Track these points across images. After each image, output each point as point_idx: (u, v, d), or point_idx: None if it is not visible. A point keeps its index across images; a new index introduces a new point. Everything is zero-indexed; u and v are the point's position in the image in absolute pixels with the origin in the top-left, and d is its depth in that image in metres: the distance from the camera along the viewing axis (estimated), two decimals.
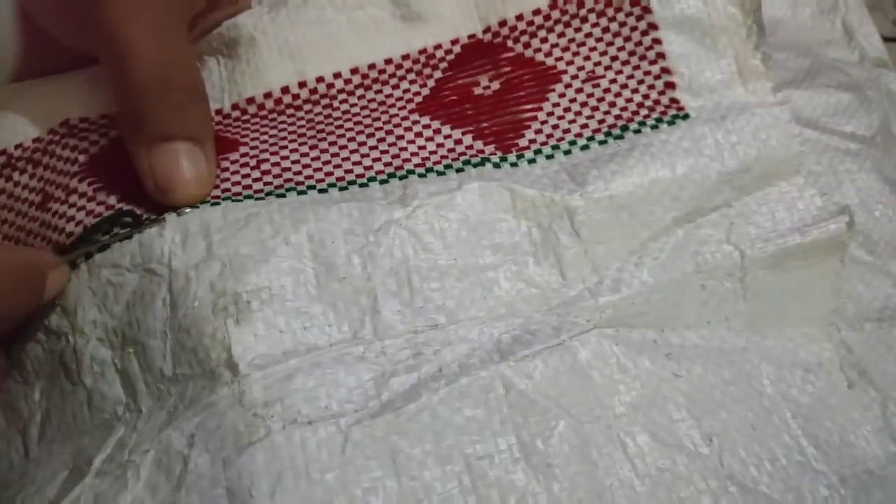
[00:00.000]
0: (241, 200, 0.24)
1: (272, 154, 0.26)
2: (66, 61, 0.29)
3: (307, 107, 0.28)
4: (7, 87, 0.29)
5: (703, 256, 0.26)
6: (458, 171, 0.26)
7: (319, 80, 0.28)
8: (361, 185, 0.25)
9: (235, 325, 0.21)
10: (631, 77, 0.28)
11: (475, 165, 0.26)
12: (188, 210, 0.24)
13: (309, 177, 0.26)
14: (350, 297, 0.23)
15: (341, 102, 0.28)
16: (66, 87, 0.28)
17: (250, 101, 0.28)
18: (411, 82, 0.29)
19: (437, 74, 0.29)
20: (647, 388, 0.23)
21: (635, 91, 0.28)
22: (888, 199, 0.30)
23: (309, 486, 0.20)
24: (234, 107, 0.28)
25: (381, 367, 0.22)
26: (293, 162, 0.26)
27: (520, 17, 0.29)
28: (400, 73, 0.29)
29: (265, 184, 0.25)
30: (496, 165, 0.26)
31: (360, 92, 0.28)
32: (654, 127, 0.27)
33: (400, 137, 0.27)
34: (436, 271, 0.24)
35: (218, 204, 0.24)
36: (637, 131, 0.27)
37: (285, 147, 0.27)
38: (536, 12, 0.29)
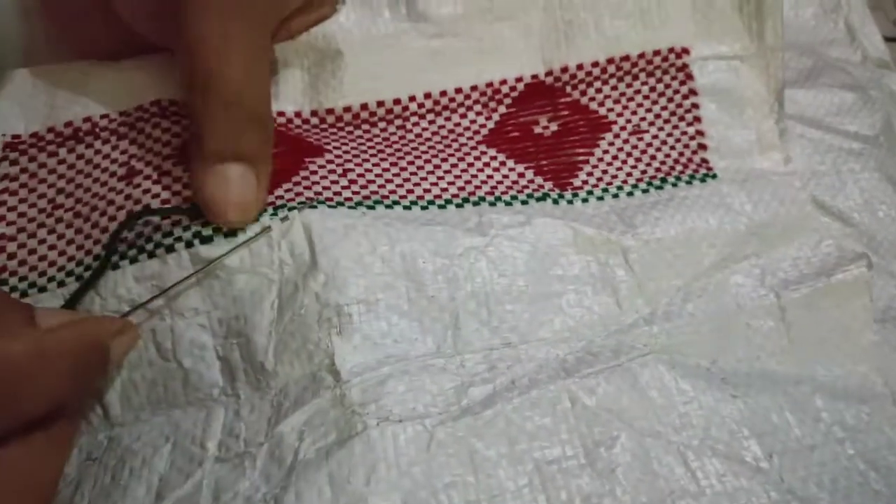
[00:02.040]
0: (336, 207, 0.27)
1: (357, 165, 0.29)
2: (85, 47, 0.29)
3: (381, 125, 0.31)
4: (89, 63, 0.30)
5: (742, 299, 0.28)
6: (524, 202, 0.29)
7: (396, 101, 0.31)
8: (440, 207, 0.28)
9: (338, 335, 0.24)
10: (670, 135, 0.32)
11: (538, 199, 0.29)
12: (289, 214, 0.26)
13: (392, 191, 0.28)
14: (436, 314, 0.25)
15: (413, 125, 0.31)
16: (157, 69, 0.29)
17: (330, 111, 0.31)
18: (478, 114, 0.32)
19: (502, 109, 0.32)
20: (706, 408, 0.25)
21: (673, 148, 0.32)
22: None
23: (398, 477, 0.22)
24: (314, 113, 0.31)
25: (460, 377, 0.25)
26: (377, 175, 0.29)
27: (580, 67, 0.32)
28: (468, 102, 0.32)
29: (353, 192, 0.28)
30: (555, 202, 0.30)
31: (430, 117, 0.31)
32: (688, 182, 0.31)
33: (470, 165, 0.30)
34: (509, 295, 0.26)
35: (315, 207, 0.26)
36: (674, 184, 0.31)
37: (367, 160, 0.29)
38: (594, 64, 0.32)
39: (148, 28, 0.28)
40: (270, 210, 0.26)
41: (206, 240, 0.26)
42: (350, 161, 0.29)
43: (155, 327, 0.25)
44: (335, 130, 0.31)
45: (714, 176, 0.31)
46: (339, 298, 0.24)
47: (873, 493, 0.25)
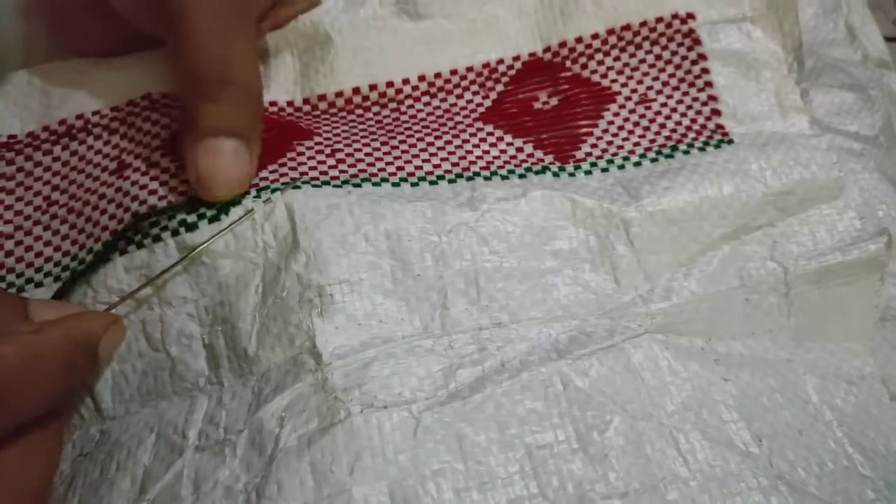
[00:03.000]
0: (320, 186, 0.26)
1: (346, 145, 0.28)
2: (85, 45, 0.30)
3: (375, 108, 0.30)
4: (85, 61, 0.30)
5: (747, 272, 0.27)
6: (521, 176, 0.28)
7: (389, 84, 0.31)
8: (431, 183, 0.27)
9: (319, 316, 0.24)
10: (680, 102, 0.31)
11: (536, 173, 0.28)
12: (272, 196, 0.26)
13: (382, 169, 0.28)
14: (422, 293, 0.25)
15: (408, 108, 0.30)
16: (149, 64, 0.30)
17: (321, 97, 0.30)
18: (474, 93, 0.31)
19: (499, 87, 0.31)
20: (698, 391, 0.25)
21: (684, 115, 0.30)
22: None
23: (384, 465, 0.22)
24: (306, 101, 0.30)
25: (448, 359, 0.24)
26: (366, 154, 0.28)
27: (579, 40, 0.31)
28: (464, 83, 0.31)
29: (340, 171, 0.27)
30: (555, 174, 0.28)
31: (426, 99, 0.31)
32: (701, 149, 0.29)
33: (465, 142, 0.29)
34: (500, 273, 0.25)
35: (298, 188, 0.26)
36: (686, 152, 0.29)
37: (357, 140, 0.29)
38: (594, 36, 0.31)
39: (142, 19, 0.28)
40: (254, 192, 0.26)
41: (191, 227, 0.26)
42: (340, 142, 0.29)
43: (145, 318, 0.25)
44: (327, 116, 0.30)
45: (730, 141, 0.30)
46: (321, 279, 0.24)
47: (861, 479, 0.24)
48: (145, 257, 0.26)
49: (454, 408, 0.23)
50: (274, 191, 0.26)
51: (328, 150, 0.28)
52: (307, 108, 0.31)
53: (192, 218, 0.26)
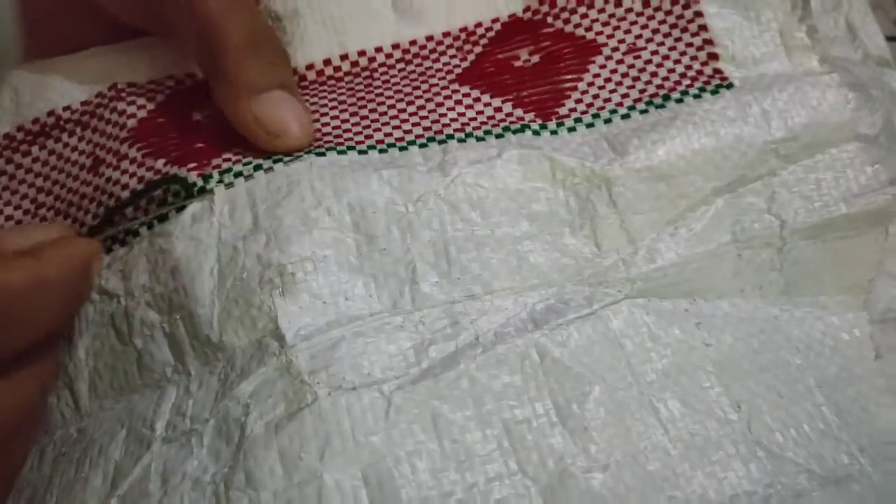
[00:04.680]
0: (284, 163, 0.25)
1: (314, 120, 0.27)
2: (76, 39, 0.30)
3: (348, 79, 0.29)
4: (55, 59, 0.30)
5: (741, 226, 0.26)
6: (498, 136, 0.27)
7: (361, 53, 0.29)
8: (401, 149, 0.26)
9: (281, 296, 0.22)
10: (673, 49, 0.29)
11: (514, 132, 0.27)
12: (235, 180, 0.25)
13: (349, 139, 0.27)
14: (390, 268, 0.24)
15: (381, 75, 0.29)
16: (114, 54, 0.30)
17: (293, 72, 0.29)
18: (451, 57, 0.29)
19: (478, 49, 0.30)
20: (678, 356, 0.24)
21: (677, 62, 0.28)
22: None
23: (356, 449, 0.21)
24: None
25: (420, 335, 0.23)
26: (334, 127, 0.27)
27: None
28: (440, 48, 0.30)
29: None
30: (536, 133, 0.27)
31: (400, 66, 0.29)
32: (696, 96, 0.27)
33: (440, 105, 0.28)
34: (473, 242, 0.24)
35: (259, 168, 0.25)
36: (679, 100, 0.27)
37: (326, 114, 0.28)
38: None
39: (131, 13, 0.28)
40: (216, 175, 0.25)
41: (162, 218, 0.25)
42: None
43: (113, 311, 0.25)
44: (299, 90, 0.29)
45: (730, 85, 0.28)
46: (281, 258, 0.23)
47: (836, 442, 0.23)
48: (122, 253, 0.26)
49: (427, 386, 0.22)
50: (237, 175, 0.25)
51: None
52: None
53: (163, 209, 0.25)
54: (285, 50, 0.28)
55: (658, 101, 0.27)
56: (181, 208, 0.25)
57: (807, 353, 0.25)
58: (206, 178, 0.25)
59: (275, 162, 0.25)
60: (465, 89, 0.28)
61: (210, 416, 0.22)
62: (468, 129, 0.27)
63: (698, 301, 0.25)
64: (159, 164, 0.26)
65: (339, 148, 0.26)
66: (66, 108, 0.29)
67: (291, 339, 0.22)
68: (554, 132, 0.27)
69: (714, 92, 0.27)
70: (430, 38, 0.30)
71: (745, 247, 0.26)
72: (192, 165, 0.26)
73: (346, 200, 0.24)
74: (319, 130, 0.27)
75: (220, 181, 0.25)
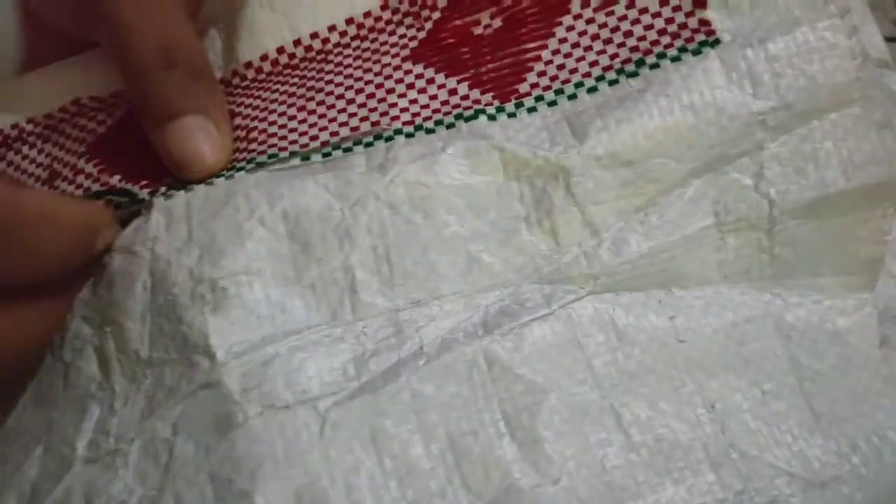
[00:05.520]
0: (226, 176, 0.25)
1: (260, 121, 0.26)
2: (68, 52, 0.30)
3: (304, 65, 0.28)
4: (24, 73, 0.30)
5: (724, 206, 0.24)
6: (449, 126, 0.25)
7: (314, 35, 0.28)
8: (345, 150, 0.25)
9: (212, 312, 0.22)
10: None
11: (467, 119, 0.25)
12: (176, 193, 0.25)
13: (293, 141, 0.25)
14: (328, 277, 0.23)
15: (335, 56, 0.28)
16: (78, 67, 0.30)
17: (248, 65, 0.28)
18: (408, 27, 0.27)
19: (436, 15, 0.27)
20: (647, 355, 0.22)
21: (657, 15, 0.25)
22: None
23: (289, 470, 0.20)
24: (234, 73, 0.28)
25: (361, 347, 0.22)
26: (280, 127, 0.26)
27: None
28: (397, 17, 0.28)
29: (249, 151, 0.26)
30: (491, 117, 0.25)
31: (356, 43, 0.28)
32: (675, 59, 0.24)
33: (390, 91, 0.26)
34: (417, 244, 0.23)
35: (210, 184, 0.25)
36: (655, 66, 0.24)
37: (274, 111, 0.27)
38: None
39: (66, 23, 0.28)
40: (163, 190, 0.25)
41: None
42: (256, 119, 0.27)
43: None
44: (256, 85, 0.28)
45: (716, 42, 0.24)
46: (213, 272, 0.22)
47: (824, 440, 0.21)
48: None
49: (365, 400, 0.21)
50: (180, 188, 0.25)
51: (243, 133, 0.26)
52: (237, 80, 0.28)
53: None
54: (204, 62, 0.27)
55: (630, 67, 0.24)
56: (125, 223, 0.25)
57: (800, 340, 0.23)
58: (153, 194, 0.25)
59: (217, 176, 0.25)
60: (419, 69, 0.26)
61: (136, 436, 0.21)
62: (418, 121, 0.25)
63: (675, 291, 0.23)
64: (114, 179, 0.26)
65: (281, 154, 0.25)
66: (30, 121, 0.29)
67: (223, 356, 0.21)
68: (512, 115, 0.25)
69: (696, 52, 0.24)
70: (384, 7, 0.28)
71: (729, 230, 0.24)
72: (144, 182, 0.26)
73: (281, 208, 0.23)
74: (265, 131, 0.26)
75: (163, 194, 0.25)
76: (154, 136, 0.25)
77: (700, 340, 0.23)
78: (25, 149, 0.29)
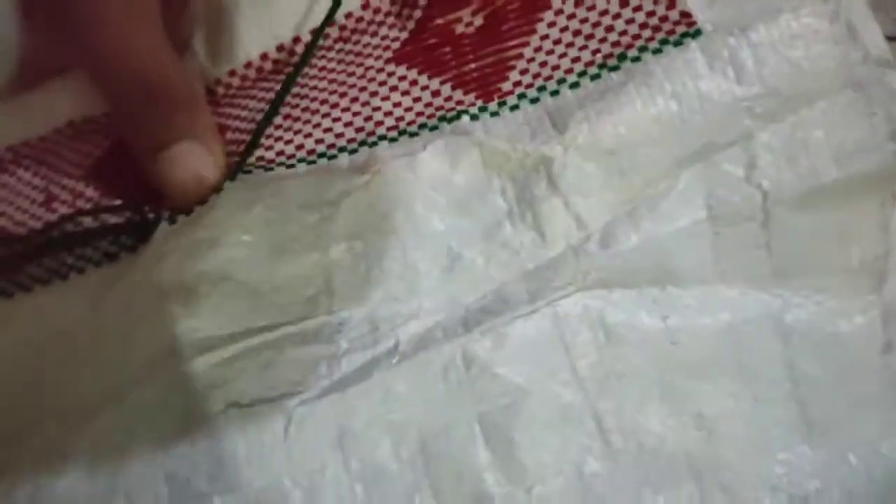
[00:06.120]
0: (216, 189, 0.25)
1: (248, 133, 0.26)
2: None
3: (287, 69, 0.27)
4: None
5: (717, 199, 0.23)
6: (433, 129, 0.24)
7: (296, 40, 0.27)
8: (330, 157, 0.25)
9: (182, 309, 0.21)
10: None
11: (450, 120, 0.24)
12: (179, 217, 0.24)
13: (280, 153, 0.25)
14: (304, 274, 0.22)
15: (319, 59, 0.27)
16: (68, 86, 0.29)
17: (232, 73, 0.28)
18: (390, 26, 0.27)
19: (417, 14, 0.27)
20: (636, 356, 0.21)
21: (638, 8, 0.24)
22: None
23: (249, 472, 0.19)
24: (218, 82, 0.28)
25: (335, 345, 0.21)
26: (266, 137, 0.26)
27: None
28: (378, 17, 0.27)
29: (237, 164, 0.25)
30: (473, 117, 0.24)
31: (338, 46, 0.27)
32: (656, 51, 0.24)
33: (374, 94, 0.26)
34: (396, 241, 0.22)
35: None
36: (636, 59, 0.24)
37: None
38: None
39: (43, 45, 0.27)
40: (166, 215, 0.25)
41: (112, 257, 0.25)
42: (243, 131, 0.27)
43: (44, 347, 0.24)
44: (243, 93, 0.28)
45: (697, 33, 0.23)
46: (187, 272, 0.22)
47: (815, 450, 0.19)
48: (64, 289, 0.25)
49: (332, 400, 0.20)
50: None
51: (233, 146, 0.26)
52: (221, 90, 0.28)
53: (113, 248, 0.25)
54: (184, 90, 0.26)
55: (612, 62, 0.24)
56: (131, 249, 0.25)
57: (799, 344, 0.21)
58: (158, 220, 0.25)
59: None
60: (402, 70, 0.26)
61: (89, 431, 0.21)
62: (402, 125, 0.25)
63: (669, 289, 0.22)
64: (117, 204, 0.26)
65: (266, 166, 0.25)
66: (24, 144, 0.29)
67: (189, 352, 0.21)
68: (495, 114, 0.24)
69: (678, 43, 0.23)
70: (365, 6, 0.27)
71: (724, 223, 0.22)
72: (147, 210, 0.26)
73: (258, 208, 0.23)
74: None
75: (167, 220, 0.24)
76: (148, 169, 0.25)
77: (694, 342, 0.21)
78: (20, 171, 0.29)
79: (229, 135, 0.27)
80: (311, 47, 0.26)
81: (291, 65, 0.27)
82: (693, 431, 0.20)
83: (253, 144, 0.25)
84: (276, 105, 0.26)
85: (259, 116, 0.27)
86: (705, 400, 0.21)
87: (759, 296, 0.22)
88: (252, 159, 0.25)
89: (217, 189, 0.24)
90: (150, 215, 0.25)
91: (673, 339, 0.21)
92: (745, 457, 0.20)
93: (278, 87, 0.27)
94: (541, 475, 0.19)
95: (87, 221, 0.27)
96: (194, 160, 0.25)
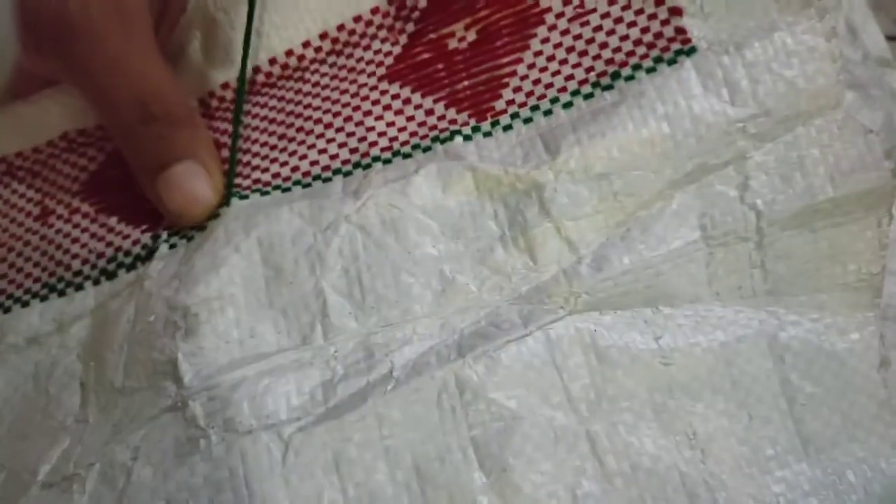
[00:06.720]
0: (213, 216, 0.25)
1: (244, 153, 0.26)
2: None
3: (281, 83, 0.28)
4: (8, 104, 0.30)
5: (710, 220, 0.23)
6: (426, 150, 0.25)
7: (289, 53, 0.28)
8: (325, 180, 0.25)
9: (183, 339, 0.22)
10: (627, 7, 0.25)
11: (443, 141, 0.25)
12: (178, 241, 0.25)
13: (276, 175, 0.26)
14: (299, 301, 0.22)
15: (312, 73, 0.27)
16: (64, 98, 0.29)
17: (225, 86, 0.28)
18: (383, 40, 0.27)
19: (410, 28, 0.27)
20: (629, 377, 0.21)
21: (632, 24, 0.24)
22: None
23: (248, 497, 0.20)
24: (211, 95, 0.28)
25: (331, 371, 0.22)
26: (262, 158, 0.26)
27: None
28: (371, 30, 0.27)
29: (234, 187, 0.26)
30: (467, 138, 0.24)
31: (331, 59, 0.27)
32: (650, 70, 0.24)
33: (367, 114, 0.26)
34: (388, 267, 0.23)
35: (203, 227, 0.25)
36: (630, 78, 0.24)
37: (256, 141, 0.27)
38: None
39: (46, 69, 0.28)
40: (164, 235, 0.25)
41: (110, 275, 0.26)
42: (238, 150, 0.27)
43: (39, 360, 0.25)
44: (232, 111, 0.28)
45: (692, 51, 0.23)
46: (187, 299, 0.22)
47: (811, 468, 0.20)
48: (61, 305, 0.26)
49: (329, 426, 0.21)
50: (182, 236, 0.25)
51: (226, 166, 0.26)
52: (214, 102, 0.28)
53: (111, 266, 0.26)
54: (179, 108, 0.26)
55: (606, 81, 0.24)
56: (130, 267, 0.25)
57: (794, 361, 0.21)
58: (156, 238, 0.25)
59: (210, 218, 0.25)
60: (395, 88, 0.26)
61: (96, 461, 0.21)
62: (395, 146, 0.25)
63: (662, 309, 0.22)
64: (112, 220, 0.27)
65: (263, 189, 0.25)
66: (18, 155, 0.29)
67: (189, 381, 0.21)
68: (488, 133, 0.24)
69: (671, 61, 0.23)
70: (357, 19, 0.27)
71: (717, 244, 0.23)
72: (144, 227, 0.26)
73: (255, 235, 0.23)
74: (248, 164, 0.26)
75: (166, 241, 0.25)
76: (146, 189, 0.26)
77: (687, 362, 0.21)
78: (15, 183, 0.29)
79: (225, 152, 0.27)
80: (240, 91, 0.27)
81: (284, 77, 0.28)
82: (687, 451, 0.20)
83: (230, 181, 0.26)
84: (234, 142, 0.26)
85: (254, 137, 0.27)
86: (699, 419, 0.21)
87: (753, 314, 0.22)
88: (248, 181, 0.26)
89: (215, 214, 0.25)
90: (149, 237, 0.26)
91: (666, 359, 0.21)
92: (740, 476, 0.20)
93: (272, 101, 0.27)
94: (535, 498, 0.20)
95: (85, 238, 0.27)
96: (193, 183, 0.25)
